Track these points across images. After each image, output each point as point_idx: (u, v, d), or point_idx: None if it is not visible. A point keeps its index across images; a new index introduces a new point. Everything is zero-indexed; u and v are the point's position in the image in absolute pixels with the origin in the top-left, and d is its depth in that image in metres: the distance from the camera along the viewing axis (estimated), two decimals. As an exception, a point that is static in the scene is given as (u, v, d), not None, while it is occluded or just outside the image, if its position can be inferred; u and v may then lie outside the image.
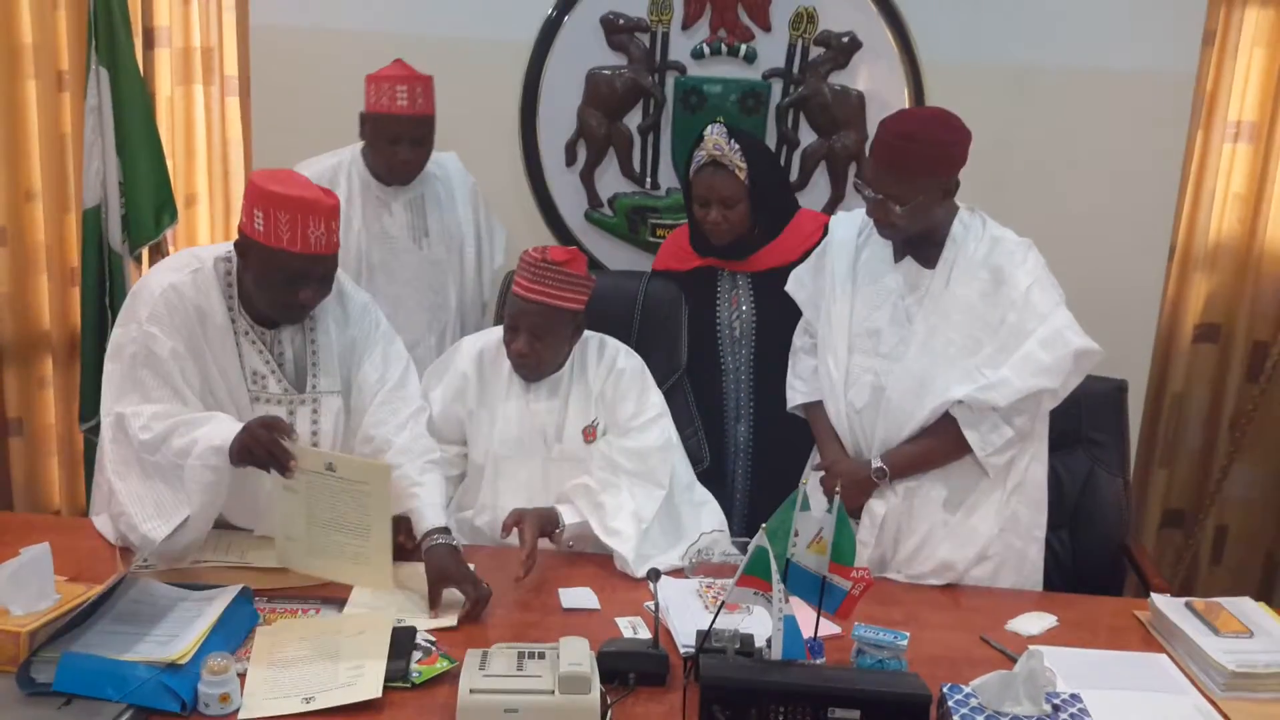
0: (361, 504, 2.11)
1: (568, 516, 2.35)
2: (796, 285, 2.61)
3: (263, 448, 2.07)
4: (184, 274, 2.23)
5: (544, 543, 2.33)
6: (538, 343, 2.41)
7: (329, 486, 2.11)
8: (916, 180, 2.26)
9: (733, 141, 2.71)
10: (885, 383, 2.39)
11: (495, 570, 2.21)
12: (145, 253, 3.44)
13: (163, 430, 2.13)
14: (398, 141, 2.85)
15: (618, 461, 2.43)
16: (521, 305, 2.40)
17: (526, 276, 2.40)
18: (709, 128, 2.77)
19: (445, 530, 2.18)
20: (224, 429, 2.12)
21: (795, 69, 3.32)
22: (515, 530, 2.26)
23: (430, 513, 2.21)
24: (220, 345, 2.23)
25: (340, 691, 1.79)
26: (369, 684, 1.80)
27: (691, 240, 2.90)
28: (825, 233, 2.65)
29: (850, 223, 2.52)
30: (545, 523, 2.32)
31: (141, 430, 2.14)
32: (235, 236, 2.23)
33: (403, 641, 1.92)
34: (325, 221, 2.14)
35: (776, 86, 3.34)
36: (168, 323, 2.18)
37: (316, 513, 2.14)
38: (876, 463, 2.39)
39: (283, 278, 2.16)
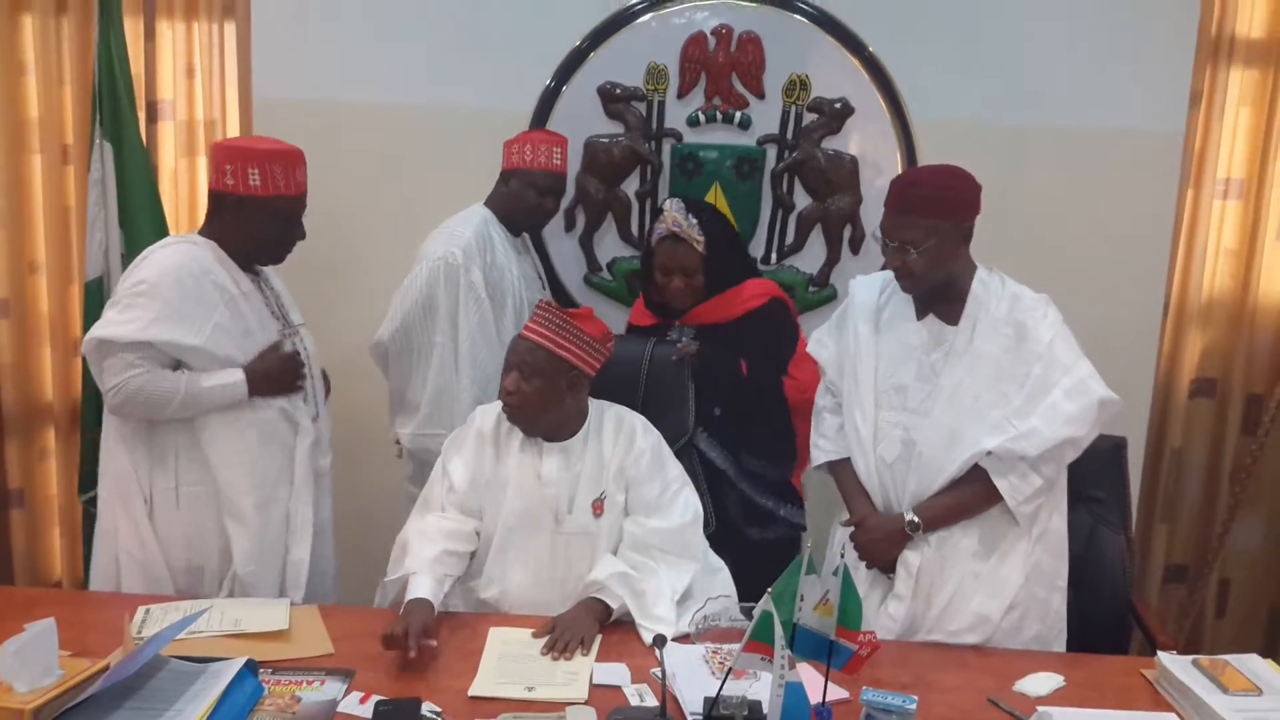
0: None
1: (613, 602, 2.33)
2: (818, 347, 2.64)
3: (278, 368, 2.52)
4: (196, 258, 2.45)
5: (551, 607, 2.35)
6: (524, 383, 2.39)
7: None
8: (925, 222, 2.32)
9: (690, 216, 2.89)
10: (915, 437, 2.41)
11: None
12: (147, 324, 3.44)
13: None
14: (547, 194, 3.06)
15: (650, 543, 2.42)
16: (515, 343, 2.45)
17: (533, 319, 2.45)
18: (668, 202, 2.94)
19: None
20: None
21: (789, 135, 3.38)
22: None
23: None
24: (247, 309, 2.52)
25: (557, 689, 2.07)
26: (579, 688, 2.08)
27: (647, 303, 3.09)
28: (769, 300, 2.95)
29: (870, 285, 2.57)
30: (601, 620, 2.32)
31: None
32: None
33: (408, 713, 1.92)
34: (303, 166, 2.51)
35: (771, 152, 3.40)
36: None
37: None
38: (909, 515, 2.40)
39: (282, 220, 2.49)
